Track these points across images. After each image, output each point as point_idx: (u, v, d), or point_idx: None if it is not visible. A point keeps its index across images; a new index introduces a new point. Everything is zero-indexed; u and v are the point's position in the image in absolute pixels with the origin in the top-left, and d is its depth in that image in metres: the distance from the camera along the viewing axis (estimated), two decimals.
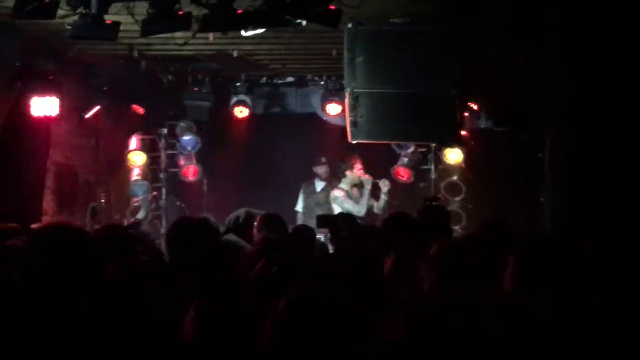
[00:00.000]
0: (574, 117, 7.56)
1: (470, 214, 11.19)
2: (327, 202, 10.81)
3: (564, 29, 7.43)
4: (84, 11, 7.15)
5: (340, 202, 10.33)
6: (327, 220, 7.24)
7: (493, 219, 5.86)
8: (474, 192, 11.33)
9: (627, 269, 4.06)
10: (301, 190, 11.41)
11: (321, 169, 11.30)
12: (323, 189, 11.21)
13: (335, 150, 11.24)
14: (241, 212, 6.79)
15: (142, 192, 12.09)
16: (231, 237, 6.34)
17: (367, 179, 10.33)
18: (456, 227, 10.94)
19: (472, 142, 11.13)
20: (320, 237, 7.64)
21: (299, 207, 11.25)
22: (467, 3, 7.10)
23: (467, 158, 11.37)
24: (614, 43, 6.95)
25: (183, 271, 4.76)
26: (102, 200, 11.72)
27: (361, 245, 6.12)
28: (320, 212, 10.14)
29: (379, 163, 11.55)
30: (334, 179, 11.00)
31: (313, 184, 11.37)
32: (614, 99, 7.12)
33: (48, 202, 10.54)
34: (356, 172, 10.40)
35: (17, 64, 9.35)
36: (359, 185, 10.42)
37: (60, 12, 7.27)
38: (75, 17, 7.31)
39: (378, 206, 10.30)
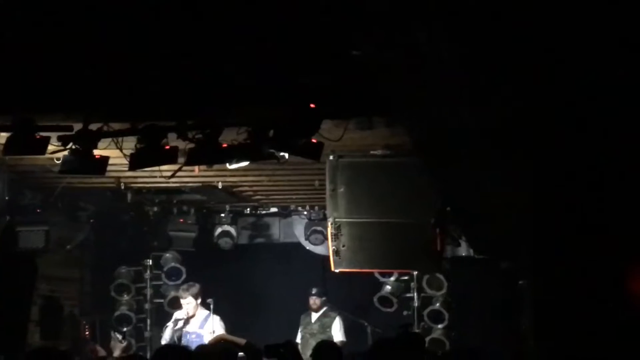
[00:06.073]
0: (552, 244, 7.69)
1: (454, 341, 11.19)
2: (322, 332, 10.82)
3: (540, 157, 7.61)
4: (74, 147, 7.30)
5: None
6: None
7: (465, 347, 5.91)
8: (457, 320, 11.37)
9: None
10: (300, 321, 11.42)
11: (311, 300, 11.33)
12: (317, 320, 11.24)
13: (317, 280, 11.33)
14: None
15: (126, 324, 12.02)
16: None
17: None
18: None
19: (453, 270, 11.25)
20: None
21: (298, 338, 11.10)
22: (440, 136, 7.30)
23: (449, 285, 11.46)
24: (596, 170, 7.10)
25: None
26: (87, 333, 11.65)
27: None
28: (314, 343, 9.88)
29: (362, 291, 11.64)
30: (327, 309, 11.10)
31: (310, 315, 11.38)
32: (593, 225, 7.25)
33: (32, 335, 10.49)
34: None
35: (6, 198, 9.50)
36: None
37: (50, 147, 7.41)
38: (65, 152, 7.47)
39: None
